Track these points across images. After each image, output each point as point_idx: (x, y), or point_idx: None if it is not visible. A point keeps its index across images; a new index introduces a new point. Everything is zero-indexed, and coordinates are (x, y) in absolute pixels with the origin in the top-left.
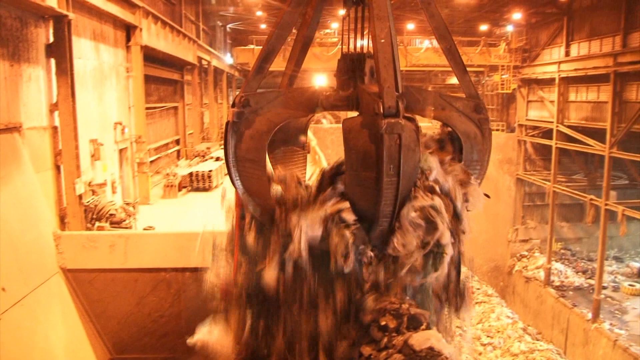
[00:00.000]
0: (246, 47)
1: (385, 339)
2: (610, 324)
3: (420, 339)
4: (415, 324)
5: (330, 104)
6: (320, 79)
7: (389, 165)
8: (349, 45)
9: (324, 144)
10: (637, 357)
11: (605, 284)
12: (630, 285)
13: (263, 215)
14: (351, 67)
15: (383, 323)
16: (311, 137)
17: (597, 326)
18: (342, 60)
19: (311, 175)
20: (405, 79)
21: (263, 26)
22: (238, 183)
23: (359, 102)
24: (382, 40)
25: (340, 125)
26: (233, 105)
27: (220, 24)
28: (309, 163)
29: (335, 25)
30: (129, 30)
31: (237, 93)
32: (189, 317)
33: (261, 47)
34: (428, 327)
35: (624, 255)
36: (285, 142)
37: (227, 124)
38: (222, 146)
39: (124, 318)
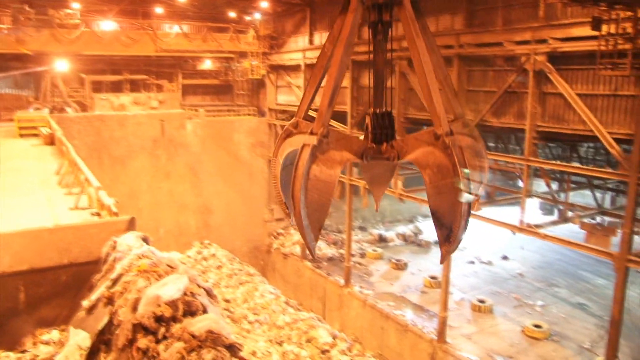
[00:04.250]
0: None
1: (163, 329)
2: (360, 287)
3: (198, 324)
4: (191, 309)
5: (371, 156)
6: (61, 64)
7: (461, 169)
8: (373, 71)
9: (71, 134)
10: (382, 311)
11: (353, 252)
12: (373, 250)
13: (310, 233)
14: (382, 124)
15: (158, 314)
16: (56, 127)
17: (349, 290)
18: (373, 118)
19: (59, 168)
20: (155, 64)
21: None
22: (302, 198)
23: (399, 153)
24: (431, 75)
25: (87, 114)
26: (311, 133)
27: None
28: (56, 155)
29: (76, 6)
30: None
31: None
32: None
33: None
34: (205, 311)
35: (366, 225)
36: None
37: (303, 146)
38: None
39: None
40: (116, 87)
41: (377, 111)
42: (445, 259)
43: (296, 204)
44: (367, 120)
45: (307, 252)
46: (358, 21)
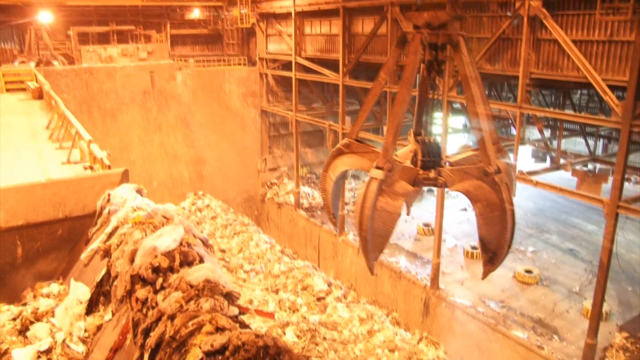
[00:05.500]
0: None
1: (160, 280)
2: (354, 235)
3: (195, 274)
4: (188, 259)
5: (421, 182)
6: (44, 15)
7: (508, 203)
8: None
9: (59, 87)
10: None
11: (347, 201)
12: None
13: (372, 255)
14: (430, 152)
15: (155, 264)
16: (43, 81)
17: (343, 238)
18: (422, 146)
19: (49, 122)
20: (142, 14)
21: None
22: (369, 224)
23: (446, 182)
24: (484, 117)
25: (75, 67)
26: (377, 167)
27: None
28: (44, 109)
29: None
30: None
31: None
32: None
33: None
34: (201, 261)
35: (359, 173)
36: None
37: (371, 179)
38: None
39: None
40: (103, 39)
41: (426, 140)
42: (486, 276)
43: (363, 231)
44: (416, 147)
45: (300, 202)
46: (419, 62)
